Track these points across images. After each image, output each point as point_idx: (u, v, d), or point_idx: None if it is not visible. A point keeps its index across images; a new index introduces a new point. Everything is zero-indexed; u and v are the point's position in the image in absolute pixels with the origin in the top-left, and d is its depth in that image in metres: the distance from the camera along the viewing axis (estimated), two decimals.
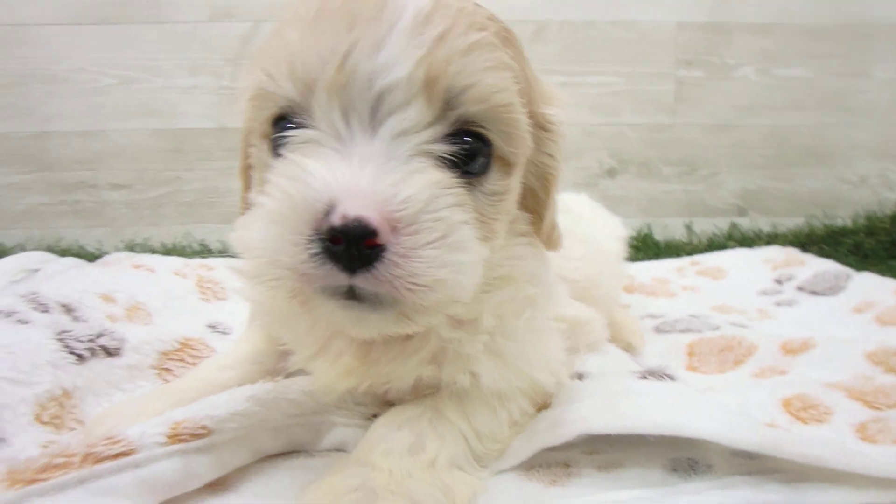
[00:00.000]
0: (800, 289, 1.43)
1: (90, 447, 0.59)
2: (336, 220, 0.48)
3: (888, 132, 2.21)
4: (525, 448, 0.68)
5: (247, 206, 0.70)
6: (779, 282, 1.51)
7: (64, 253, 2.04)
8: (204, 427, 0.64)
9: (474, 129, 0.57)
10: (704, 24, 2.10)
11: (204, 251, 2.04)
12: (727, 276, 1.59)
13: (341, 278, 0.50)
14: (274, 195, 0.53)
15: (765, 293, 1.46)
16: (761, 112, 2.18)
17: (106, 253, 2.04)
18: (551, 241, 0.74)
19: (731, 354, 1.03)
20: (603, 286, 1.01)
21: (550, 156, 0.68)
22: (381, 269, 0.50)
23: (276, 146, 0.58)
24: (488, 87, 0.55)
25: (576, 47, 2.05)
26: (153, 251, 2.06)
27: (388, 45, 0.52)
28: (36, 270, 1.42)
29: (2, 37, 1.99)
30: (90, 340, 0.88)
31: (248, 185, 0.73)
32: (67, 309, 0.97)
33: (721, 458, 0.65)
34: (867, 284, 1.36)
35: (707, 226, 2.20)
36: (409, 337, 0.68)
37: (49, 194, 2.10)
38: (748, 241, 2.11)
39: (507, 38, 0.61)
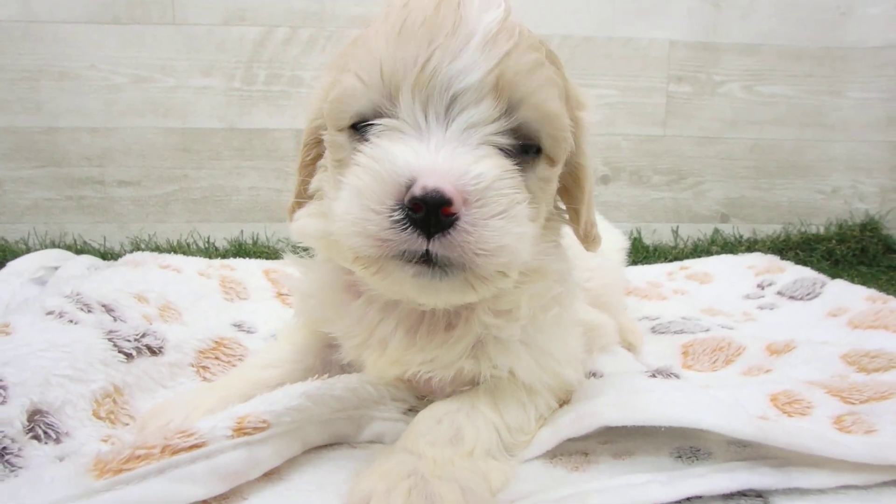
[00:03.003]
0: (780, 293, 1.54)
1: (167, 439, 0.66)
2: (417, 190, 0.58)
3: (860, 147, 2.35)
4: (550, 439, 0.76)
5: (303, 198, 0.81)
6: (761, 287, 1.61)
7: (68, 248, 2.08)
8: (265, 421, 0.71)
9: (529, 131, 0.67)
10: (695, 43, 2.20)
11: (209, 249, 2.09)
12: (714, 280, 1.70)
13: (419, 242, 0.60)
14: (361, 173, 0.63)
15: (748, 297, 1.57)
16: (745, 126, 2.29)
17: (110, 249, 2.10)
18: (589, 238, 0.84)
19: (721, 354, 1.12)
20: (612, 294, 1.10)
21: (582, 152, 0.79)
22: (454, 234, 0.59)
23: (359, 138, 0.68)
24: (543, 99, 0.67)
25: (575, 61, 2.14)
26: (158, 248, 2.10)
27: (463, 56, 0.63)
28: (56, 268, 1.47)
29: (15, 32, 2.00)
30: (136, 340, 0.94)
31: (306, 180, 0.83)
32: (108, 309, 1.04)
33: (719, 447, 0.73)
34: (840, 291, 1.47)
35: (692, 231, 2.31)
36: (452, 326, 0.77)
37: (55, 189, 2.12)
38: (730, 245, 2.23)
39: (553, 59, 0.73)
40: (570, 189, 0.81)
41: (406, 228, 0.60)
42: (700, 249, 2.20)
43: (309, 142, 0.83)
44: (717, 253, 2.12)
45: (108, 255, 2.02)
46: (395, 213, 0.60)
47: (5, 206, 2.12)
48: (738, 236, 2.29)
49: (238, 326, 1.20)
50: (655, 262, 2.09)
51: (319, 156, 0.83)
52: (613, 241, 1.27)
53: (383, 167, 0.61)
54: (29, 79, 2.04)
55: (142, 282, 1.18)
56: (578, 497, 0.65)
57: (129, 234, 2.12)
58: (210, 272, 1.35)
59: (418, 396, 0.85)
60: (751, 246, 2.21)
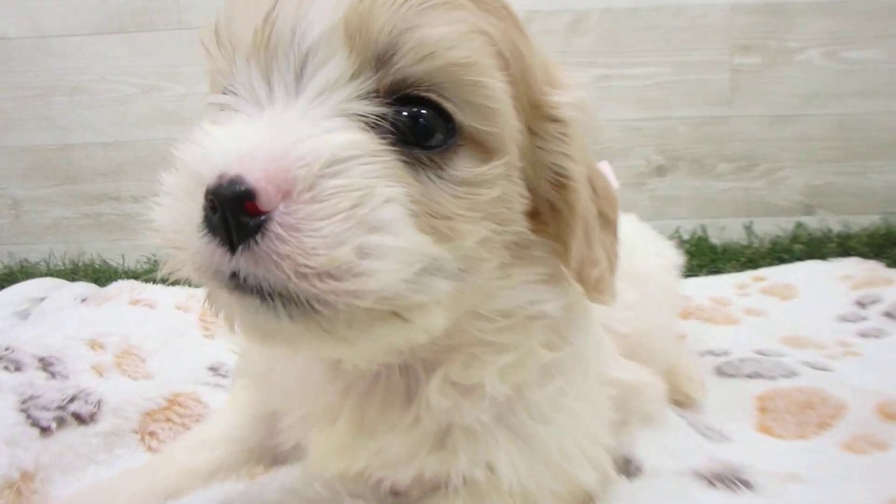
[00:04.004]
0: (888, 315, 1.23)
1: None
2: (211, 181, 0.40)
3: None
4: None
5: None
6: (861, 305, 1.31)
7: (86, 268, 2.02)
8: None
9: (423, 94, 0.45)
10: (762, 5, 1.88)
11: None
12: (797, 295, 1.40)
13: (221, 257, 0.41)
14: (176, 168, 0.45)
15: (845, 319, 1.27)
16: (828, 100, 1.95)
17: (128, 268, 2.02)
18: (590, 283, 0.55)
19: (813, 414, 0.86)
20: (659, 339, 0.85)
21: (566, 155, 0.52)
22: (262, 242, 0.40)
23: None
24: (433, 38, 0.44)
25: (618, 37, 1.88)
26: None
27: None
28: (42, 299, 1.36)
29: (25, 49, 1.96)
30: (59, 408, 0.79)
31: None
32: (46, 364, 0.89)
33: None
34: None
35: (769, 226, 2.00)
36: (409, 401, 0.56)
37: (72, 207, 2.07)
38: (816, 242, 1.90)
39: (490, 6, 0.49)
40: (558, 208, 0.54)
41: (204, 236, 0.42)
42: (780, 248, 1.89)
43: None
44: (801, 251, 1.81)
45: (125, 274, 1.94)
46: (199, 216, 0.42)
47: (26, 227, 2.09)
48: (826, 230, 1.96)
49: (214, 370, 1.04)
50: (725, 264, 1.80)
51: None
52: (662, 259, 0.97)
53: (192, 157, 0.43)
54: (42, 95, 1.99)
55: (104, 323, 1.04)
56: None
57: (146, 251, 2.03)
58: (190, 304, 1.20)
59: (391, 492, 0.65)
60: (843, 242, 1.88)
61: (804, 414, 0.86)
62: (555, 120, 0.52)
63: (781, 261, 1.80)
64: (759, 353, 1.07)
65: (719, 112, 1.95)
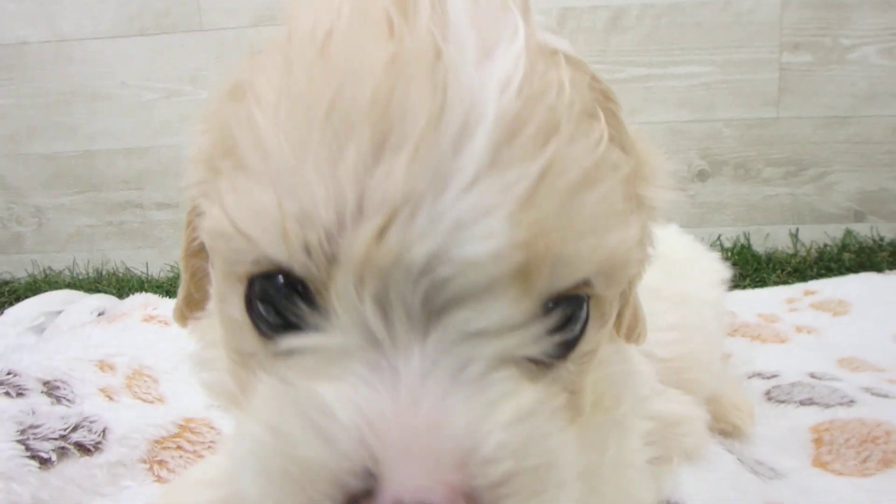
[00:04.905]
0: None
1: None
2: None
3: None
4: None
5: (195, 303, 0.51)
6: None
7: (110, 276, 1.98)
8: None
9: (572, 293, 0.35)
10: (813, 0, 1.77)
11: None
12: (851, 310, 1.29)
13: None
14: (271, 439, 0.32)
15: None
16: (885, 100, 1.82)
17: (151, 276, 1.98)
18: (633, 332, 0.50)
19: (876, 449, 0.77)
20: (703, 363, 0.76)
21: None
22: None
23: (259, 314, 0.35)
24: (610, 249, 0.33)
25: (659, 34, 1.77)
26: None
27: (457, 183, 0.29)
28: (58, 312, 1.32)
29: (45, 54, 1.93)
30: (61, 437, 0.73)
31: (195, 278, 0.51)
32: (51, 388, 0.84)
33: None
34: None
35: (817, 234, 1.88)
36: None
37: (96, 215, 2.03)
38: (867, 251, 1.79)
39: (612, 111, 0.39)
40: None
41: None
42: (827, 257, 1.78)
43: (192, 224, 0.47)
44: (851, 260, 1.69)
45: (148, 283, 1.91)
46: None
47: (51, 235, 2.06)
48: (877, 238, 1.84)
49: None
50: (769, 274, 1.69)
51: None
52: (706, 274, 0.88)
53: (310, 443, 0.30)
54: (63, 102, 1.96)
55: (113, 343, 0.99)
56: None
57: (170, 259, 1.99)
58: None
59: None
60: (895, 250, 1.77)
61: (865, 448, 0.77)
62: (643, 207, 0.42)
63: (829, 270, 1.70)
64: (813, 376, 0.98)
65: (767, 114, 1.84)
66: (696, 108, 1.83)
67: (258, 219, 0.32)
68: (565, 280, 0.33)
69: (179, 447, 0.81)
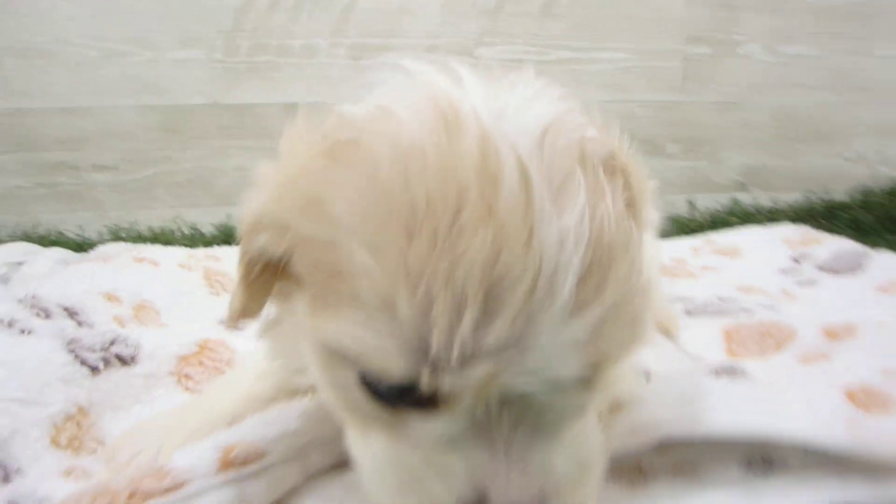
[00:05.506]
0: (819, 268, 1.40)
1: (135, 482, 0.52)
2: None
3: (888, 110, 2.20)
4: None
5: (249, 313, 0.59)
6: (796, 261, 1.48)
7: (42, 240, 1.93)
8: (257, 450, 0.58)
9: None
10: (713, 1, 2.04)
11: (195, 235, 1.94)
12: (743, 255, 1.57)
13: None
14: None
15: (784, 272, 1.43)
16: (766, 90, 2.14)
17: (88, 239, 1.95)
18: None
19: (771, 340, 0.99)
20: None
21: None
22: None
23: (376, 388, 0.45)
24: (643, 331, 0.46)
25: (588, 23, 1.97)
26: (140, 236, 1.95)
27: (548, 330, 0.39)
28: (20, 264, 1.32)
29: None
30: (103, 349, 0.80)
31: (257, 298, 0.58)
32: (71, 313, 0.90)
33: (794, 455, 0.62)
34: (889, 263, 1.32)
35: (709, 202, 2.17)
36: None
37: (27, 176, 1.96)
38: (750, 216, 2.10)
39: (630, 184, 0.50)
40: None
41: None
42: (718, 221, 2.07)
43: (251, 258, 0.54)
44: (737, 224, 1.97)
45: (84, 245, 1.88)
46: None
47: None
48: (757, 206, 2.15)
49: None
50: (675, 236, 1.95)
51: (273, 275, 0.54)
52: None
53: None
54: None
55: (112, 279, 1.04)
56: None
57: (108, 222, 1.97)
58: (192, 263, 1.21)
59: None
60: (772, 215, 2.08)
61: (764, 340, 0.99)
62: None
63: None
64: (720, 298, 1.21)
65: (672, 97, 2.10)
66: (615, 90, 2.05)
67: (382, 356, 0.40)
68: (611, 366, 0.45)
69: (201, 363, 0.89)
